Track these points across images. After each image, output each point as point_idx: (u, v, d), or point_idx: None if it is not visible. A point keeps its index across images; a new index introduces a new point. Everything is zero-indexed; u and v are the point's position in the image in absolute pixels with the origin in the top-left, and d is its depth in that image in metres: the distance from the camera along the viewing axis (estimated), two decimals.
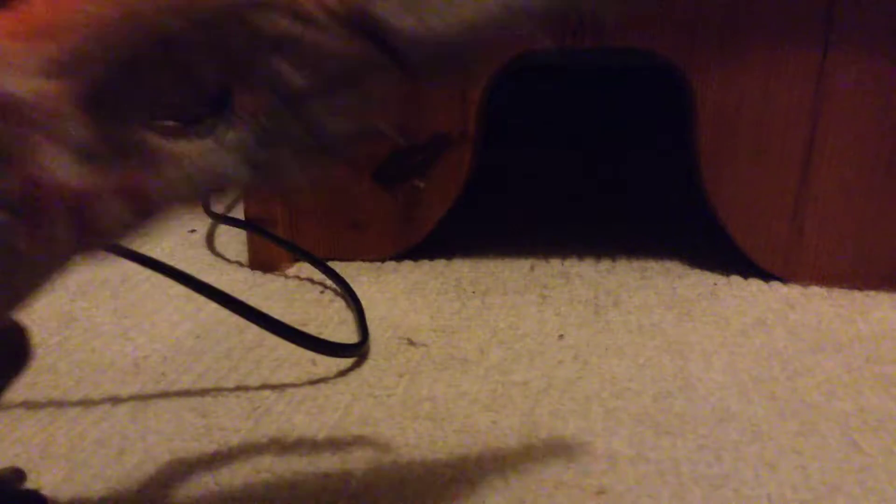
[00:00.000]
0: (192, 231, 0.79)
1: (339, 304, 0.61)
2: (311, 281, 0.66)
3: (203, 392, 0.48)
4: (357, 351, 0.53)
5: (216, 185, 0.26)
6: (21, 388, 0.48)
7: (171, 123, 0.26)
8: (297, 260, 0.70)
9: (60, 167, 0.24)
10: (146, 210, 0.25)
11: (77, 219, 0.24)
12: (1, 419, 0.45)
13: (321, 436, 0.42)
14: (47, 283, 0.28)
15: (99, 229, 0.24)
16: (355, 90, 0.26)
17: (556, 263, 0.72)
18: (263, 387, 0.48)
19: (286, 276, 0.68)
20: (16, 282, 0.28)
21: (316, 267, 0.66)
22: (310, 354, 0.52)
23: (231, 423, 0.44)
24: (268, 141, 0.26)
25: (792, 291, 0.65)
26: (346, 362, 0.51)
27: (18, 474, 0.40)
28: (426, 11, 0.26)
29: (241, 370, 0.50)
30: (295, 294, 0.64)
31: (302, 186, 0.27)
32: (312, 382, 0.49)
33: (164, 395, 0.48)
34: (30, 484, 0.38)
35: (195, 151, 0.25)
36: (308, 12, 0.25)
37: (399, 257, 0.72)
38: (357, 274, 0.68)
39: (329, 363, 0.51)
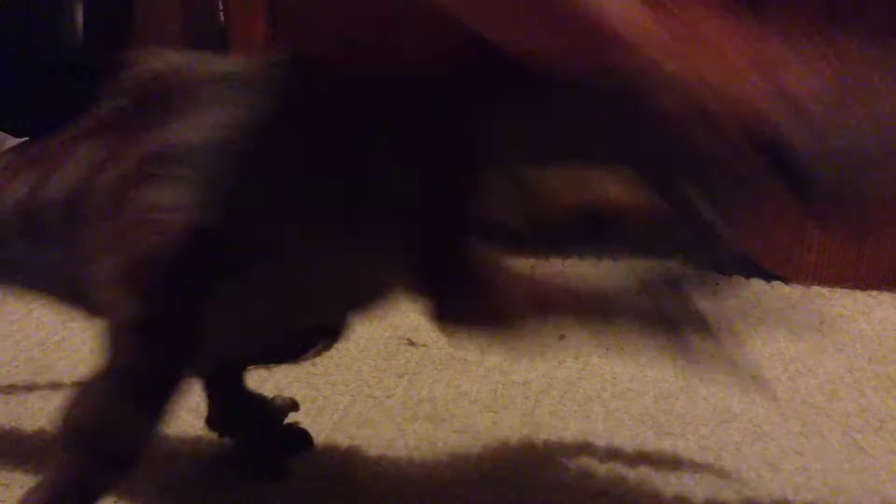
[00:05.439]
0: None
1: None
2: None
3: (202, 394, 0.47)
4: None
5: None
6: (20, 389, 0.48)
7: None
8: None
9: None
10: None
11: None
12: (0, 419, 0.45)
13: (321, 437, 0.42)
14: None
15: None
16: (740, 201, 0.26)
17: (556, 264, 0.71)
18: (262, 388, 0.48)
19: None
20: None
21: None
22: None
23: None
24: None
25: (794, 291, 0.64)
26: (344, 363, 0.51)
27: (293, 407, 0.43)
28: (836, 137, 0.23)
29: None
30: None
31: None
32: (312, 384, 0.48)
33: None
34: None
35: None
36: (724, 127, 0.24)
37: None
38: None
39: (328, 364, 0.51)
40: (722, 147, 0.24)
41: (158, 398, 0.30)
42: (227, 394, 0.41)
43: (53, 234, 0.34)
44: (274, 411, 0.42)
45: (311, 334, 0.37)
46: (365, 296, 0.34)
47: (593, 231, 0.36)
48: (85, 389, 0.30)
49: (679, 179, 0.26)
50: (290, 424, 0.42)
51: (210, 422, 0.41)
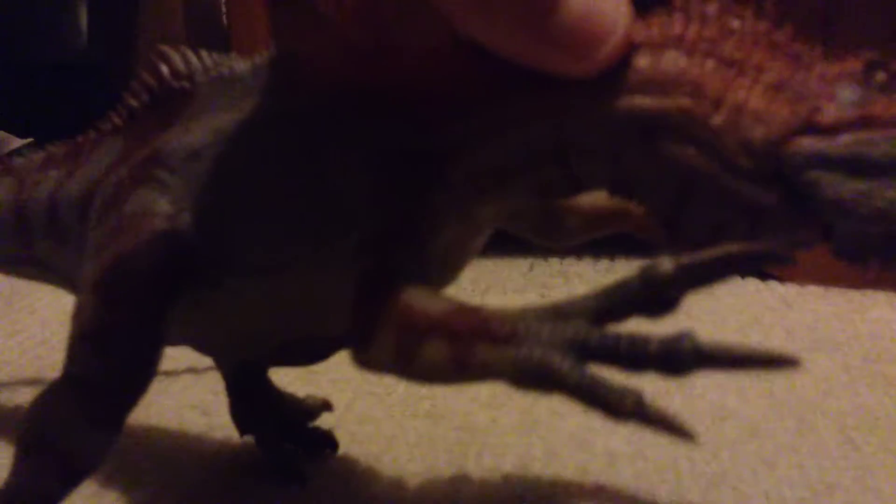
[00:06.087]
0: None
1: None
2: None
3: (204, 390, 0.48)
4: None
5: None
6: (22, 388, 0.48)
7: None
8: None
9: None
10: None
11: None
12: (1, 418, 0.45)
13: None
14: None
15: None
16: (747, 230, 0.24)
17: (554, 262, 0.72)
18: None
19: None
20: None
21: None
22: None
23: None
24: None
25: (789, 291, 0.65)
26: (345, 360, 0.51)
27: (326, 407, 0.42)
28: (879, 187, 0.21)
29: None
30: None
31: None
32: (313, 381, 0.49)
33: (165, 393, 0.48)
34: None
35: None
36: (730, 155, 0.22)
37: None
38: None
39: (329, 361, 0.51)
40: (736, 175, 0.22)
41: (114, 409, 0.29)
42: (251, 392, 0.40)
43: (70, 235, 0.34)
44: (305, 411, 0.42)
45: (329, 339, 0.36)
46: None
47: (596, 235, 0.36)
48: (46, 394, 0.30)
49: (682, 206, 0.24)
50: (315, 427, 0.42)
51: (235, 419, 0.40)
